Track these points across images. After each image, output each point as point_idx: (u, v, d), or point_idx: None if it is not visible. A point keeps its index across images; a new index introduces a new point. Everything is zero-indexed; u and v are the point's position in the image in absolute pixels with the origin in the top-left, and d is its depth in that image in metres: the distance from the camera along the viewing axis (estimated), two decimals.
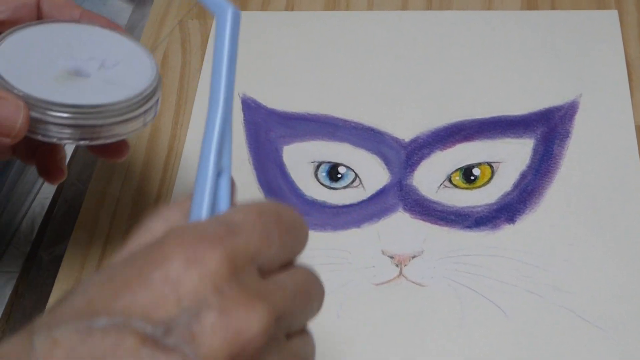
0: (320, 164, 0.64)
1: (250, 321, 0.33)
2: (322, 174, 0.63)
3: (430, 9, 0.73)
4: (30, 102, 0.48)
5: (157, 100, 0.51)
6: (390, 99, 0.67)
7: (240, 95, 0.68)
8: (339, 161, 0.63)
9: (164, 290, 0.32)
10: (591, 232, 0.59)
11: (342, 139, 0.65)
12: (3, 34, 0.52)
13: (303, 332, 0.37)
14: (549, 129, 0.64)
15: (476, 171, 0.62)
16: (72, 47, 0.52)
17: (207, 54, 0.71)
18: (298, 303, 0.36)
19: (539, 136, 0.64)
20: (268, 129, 0.66)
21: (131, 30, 0.77)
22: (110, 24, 0.54)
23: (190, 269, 0.33)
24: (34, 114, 0.48)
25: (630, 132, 0.64)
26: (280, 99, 0.68)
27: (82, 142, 0.49)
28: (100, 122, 0.49)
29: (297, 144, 0.65)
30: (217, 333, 0.32)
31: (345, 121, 0.66)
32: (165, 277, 0.32)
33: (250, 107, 0.67)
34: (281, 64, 0.70)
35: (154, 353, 0.31)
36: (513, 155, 0.63)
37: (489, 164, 0.62)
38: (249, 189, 0.63)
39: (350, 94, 0.68)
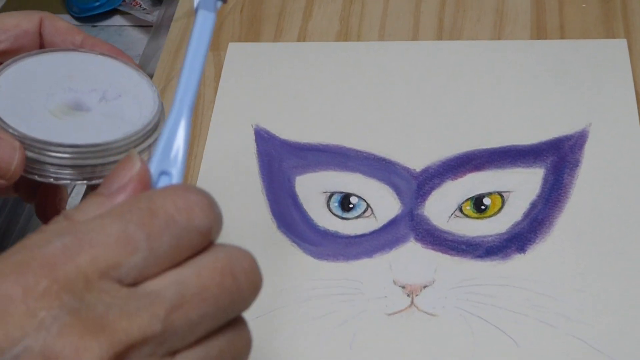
0: (332, 194, 0.64)
1: None
2: (334, 204, 0.64)
3: (441, 40, 0.74)
4: (26, 142, 0.47)
5: (159, 136, 0.50)
6: (401, 129, 0.68)
7: (254, 126, 0.69)
8: (350, 191, 0.64)
9: None
10: (602, 262, 0.59)
11: (353, 169, 0.65)
12: (1, 67, 0.50)
13: (214, 337, 0.32)
14: (558, 158, 0.65)
15: (487, 201, 0.63)
16: (73, 78, 0.50)
17: (221, 86, 0.72)
18: (189, 309, 0.30)
19: (549, 165, 0.64)
20: (281, 160, 0.67)
21: (146, 61, 0.78)
22: (112, 51, 0.53)
23: (9, 306, 0.29)
24: (31, 154, 0.47)
25: (639, 161, 0.64)
26: (292, 129, 0.69)
27: (80, 182, 0.48)
28: (99, 161, 0.47)
29: (309, 175, 0.66)
30: None
31: (357, 151, 0.66)
32: None
33: (263, 138, 0.68)
34: (294, 94, 0.71)
35: None
36: (523, 185, 0.63)
37: (500, 194, 0.63)
38: (262, 219, 0.64)
39: (362, 124, 0.68)
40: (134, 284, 0.30)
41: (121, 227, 0.30)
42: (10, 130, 0.47)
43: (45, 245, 0.30)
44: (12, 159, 0.46)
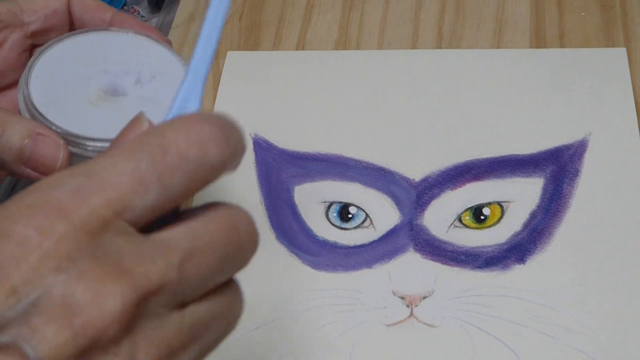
0: (331, 204, 0.64)
1: (100, 306, 0.28)
2: (333, 214, 0.64)
3: (440, 48, 0.74)
4: (69, 139, 0.48)
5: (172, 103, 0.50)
6: (401, 139, 0.68)
7: (252, 135, 0.69)
8: (349, 201, 0.64)
9: None
10: (602, 272, 0.59)
11: (352, 179, 0.65)
12: (35, 55, 0.51)
13: (216, 293, 0.31)
14: (558, 167, 0.64)
15: (486, 211, 0.62)
16: (107, 60, 0.51)
17: (219, 95, 0.72)
18: (200, 259, 0.30)
19: (548, 175, 0.64)
20: (279, 169, 0.67)
21: None
22: (143, 27, 0.53)
23: (25, 249, 0.27)
24: (73, 150, 0.48)
25: (639, 170, 0.64)
26: (291, 138, 0.68)
27: None
28: None
29: (308, 184, 0.65)
30: (59, 324, 0.27)
31: (356, 161, 0.66)
32: None
33: (262, 147, 0.68)
34: (292, 103, 0.71)
35: None
36: (523, 195, 0.63)
37: (499, 204, 0.63)
38: (261, 229, 0.63)
39: (361, 133, 0.68)
40: (146, 227, 0.30)
41: (133, 166, 0.29)
42: (54, 128, 0.48)
43: (57, 186, 0.29)
44: (57, 157, 0.47)
